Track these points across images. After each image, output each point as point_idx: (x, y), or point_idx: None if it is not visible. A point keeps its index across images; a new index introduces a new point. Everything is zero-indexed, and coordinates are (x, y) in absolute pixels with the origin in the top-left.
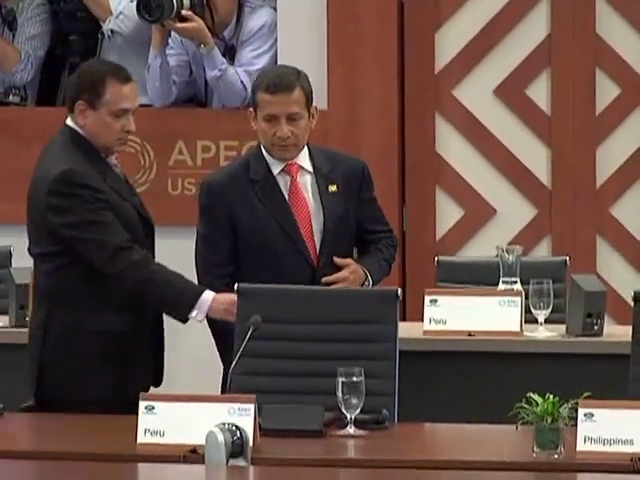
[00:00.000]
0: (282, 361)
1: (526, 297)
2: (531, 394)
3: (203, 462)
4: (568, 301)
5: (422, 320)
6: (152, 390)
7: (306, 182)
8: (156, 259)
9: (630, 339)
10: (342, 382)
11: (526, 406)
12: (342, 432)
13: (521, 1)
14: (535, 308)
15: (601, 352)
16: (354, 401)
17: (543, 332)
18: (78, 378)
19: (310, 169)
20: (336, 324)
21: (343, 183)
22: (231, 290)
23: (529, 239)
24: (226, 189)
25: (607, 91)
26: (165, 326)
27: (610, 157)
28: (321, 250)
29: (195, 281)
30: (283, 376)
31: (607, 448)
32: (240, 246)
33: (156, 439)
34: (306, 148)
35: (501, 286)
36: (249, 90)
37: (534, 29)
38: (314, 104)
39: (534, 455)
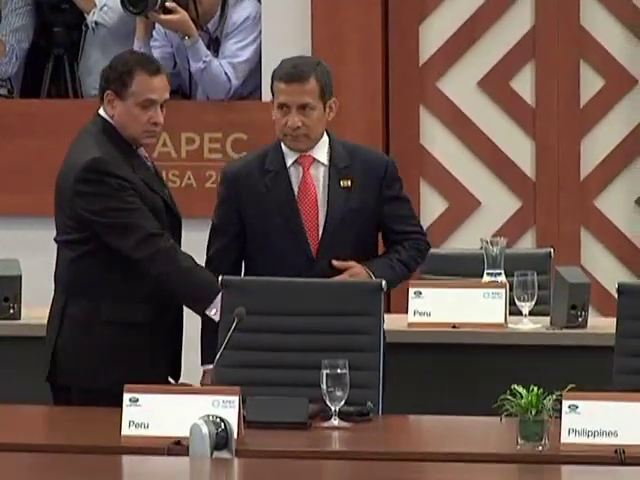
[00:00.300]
0: (267, 353)
1: (510, 289)
2: (515, 386)
3: (187, 454)
4: (552, 293)
5: (407, 312)
6: None
7: (319, 175)
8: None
9: (614, 331)
10: (326, 374)
11: (510, 398)
12: (326, 424)
13: None
14: (519, 300)
15: (585, 344)
16: (338, 393)
17: (527, 324)
18: (89, 367)
19: (325, 162)
20: (321, 316)
21: (361, 179)
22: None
23: (513, 231)
24: (239, 177)
25: (591, 83)
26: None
27: (594, 149)
28: (321, 243)
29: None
30: (268, 368)
31: (591, 440)
32: (246, 235)
33: (140, 431)
34: (326, 140)
35: (485, 278)
36: (233, 82)
37: (518, 21)
38: (333, 98)
39: (518, 447)
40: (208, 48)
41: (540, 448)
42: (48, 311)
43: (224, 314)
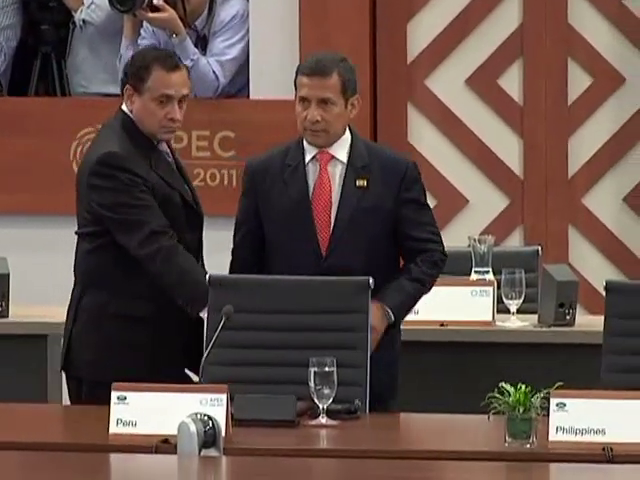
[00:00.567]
0: (254, 351)
1: (498, 287)
2: (503, 384)
3: (175, 452)
4: (540, 291)
5: None
6: None
7: (336, 173)
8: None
9: (602, 329)
10: (314, 372)
11: (498, 396)
12: (314, 422)
13: None
14: (507, 298)
15: (573, 342)
16: (326, 391)
17: (515, 322)
18: (98, 360)
19: (344, 160)
20: (308, 314)
21: (379, 179)
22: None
23: (501, 229)
24: (259, 171)
25: (579, 81)
26: None
27: (582, 147)
28: (330, 242)
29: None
30: (256, 366)
31: (579, 438)
32: (263, 228)
33: (128, 429)
34: (348, 139)
35: (473, 276)
36: (221, 80)
37: (506, 19)
38: (356, 96)
39: (506, 445)
40: (196, 46)
41: (528, 446)
42: (36, 310)
43: (211, 312)
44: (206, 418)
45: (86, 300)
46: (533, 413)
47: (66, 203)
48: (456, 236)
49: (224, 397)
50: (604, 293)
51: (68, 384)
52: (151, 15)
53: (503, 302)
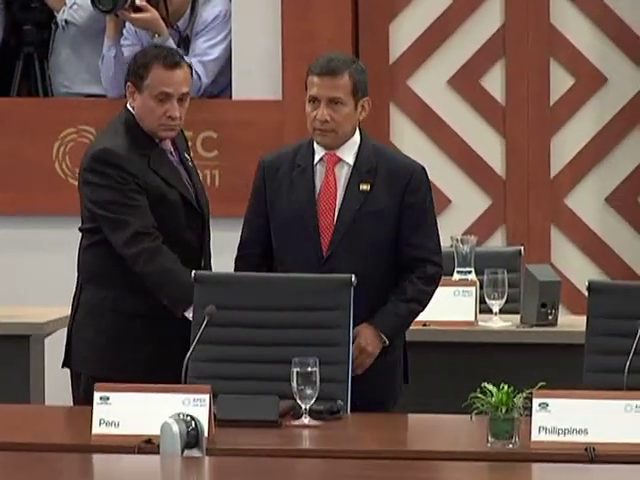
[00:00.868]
0: (239, 347)
1: (480, 287)
2: (486, 384)
3: (158, 452)
4: (522, 291)
5: None
6: None
7: (342, 175)
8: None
9: (584, 329)
10: (297, 372)
11: (481, 396)
12: (297, 422)
13: None
14: (490, 298)
15: (555, 342)
16: (309, 391)
17: (498, 322)
18: (94, 355)
19: (351, 163)
20: (291, 311)
21: (384, 183)
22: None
23: (483, 229)
24: (269, 169)
25: (561, 81)
26: None
27: (564, 147)
28: (331, 244)
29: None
30: (240, 362)
31: (562, 438)
32: (270, 227)
33: (111, 430)
34: (357, 141)
35: (455, 276)
36: (203, 80)
37: (488, 19)
38: (367, 98)
39: (489, 445)
40: (178, 46)
41: (510, 446)
42: (18, 310)
43: (197, 309)
44: (189, 418)
45: (84, 296)
46: (516, 413)
47: (49, 203)
48: None
49: (207, 397)
50: (586, 293)
51: (71, 380)
52: (133, 15)
53: (485, 302)
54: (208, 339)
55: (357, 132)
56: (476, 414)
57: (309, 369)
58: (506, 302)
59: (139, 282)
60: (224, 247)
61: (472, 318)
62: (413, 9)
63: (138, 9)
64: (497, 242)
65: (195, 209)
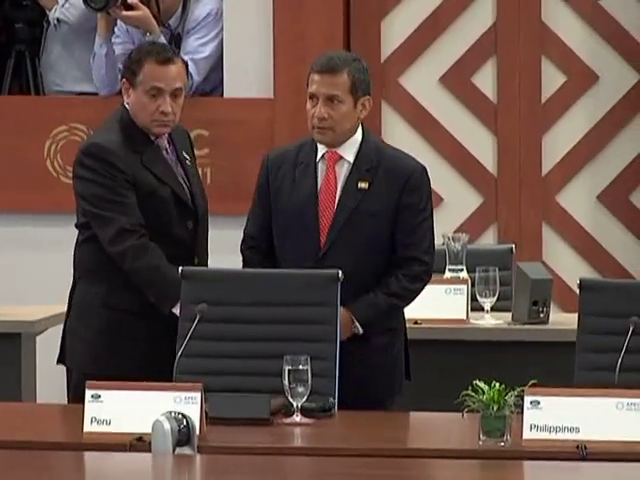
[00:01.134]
0: (226, 343)
1: (472, 285)
2: (477, 382)
3: (149, 450)
4: (514, 289)
5: None
6: None
7: (342, 173)
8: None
9: (576, 327)
10: (288, 370)
11: (472, 394)
12: (289, 420)
13: None
14: (481, 296)
15: (547, 340)
16: (300, 389)
17: (489, 320)
18: (84, 351)
19: (351, 161)
20: (278, 306)
21: (383, 183)
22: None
23: (475, 227)
24: (272, 166)
25: (553, 79)
26: None
27: (556, 145)
28: (327, 241)
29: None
30: (227, 358)
31: (553, 436)
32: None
33: (102, 428)
34: (359, 140)
35: (447, 274)
36: (195, 78)
37: (480, 17)
38: (367, 97)
39: (480, 443)
40: (170, 44)
41: (502, 444)
42: (9, 308)
43: (184, 305)
44: (180, 416)
45: (78, 292)
46: (507, 411)
47: (40, 201)
48: None
49: (198, 395)
50: (578, 291)
51: (66, 376)
52: (125, 13)
53: (477, 300)
54: (196, 335)
55: (359, 130)
56: (467, 412)
57: (300, 367)
58: (498, 300)
59: (123, 278)
60: (214, 244)
61: (464, 316)
62: (404, 7)
63: (129, 7)
64: (489, 240)
65: (188, 207)
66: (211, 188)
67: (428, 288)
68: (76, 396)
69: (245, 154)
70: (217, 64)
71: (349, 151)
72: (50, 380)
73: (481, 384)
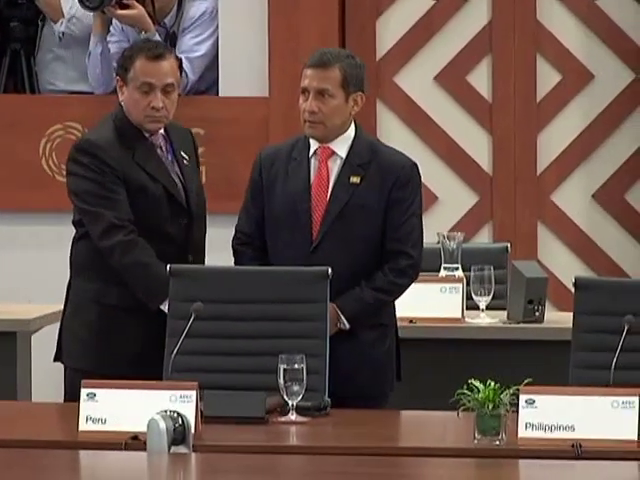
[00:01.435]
0: (217, 340)
1: (467, 284)
2: (472, 380)
3: (145, 449)
4: (509, 287)
5: None
6: None
7: (335, 168)
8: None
9: (571, 325)
10: (283, 369)
11: (467, 392)
12: (284, 419)
13: None
14: (476, 295)
15: (542, 338)
16: (295, 388)
17: (484, 318)
18: (80, 349)
19: (343, 156)
20: (267, 303)
21: (374, 178)
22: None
23: (470, 226)
24: (266, 163)
25: (548, 78)
26: None
27: (551, 144)
28: (319, 235)
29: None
30: (219, 355)
31: (548, 434)
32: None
33: (98, 426)
34: (352, 135)
35: (442, 273)
36: (190, 77)
37: (475, 16)
38: (360, 93)
39: (475, 442)
40: (165, 43)
41: (497, 442)
42: (4, 307)
43: (173, 303)
44: (175, 415)
45: (73, 288)
46: (502, 410)
47: (35, 200)
48: (425, 233)
49: (193, 394)
50: (573, 290)
51: (64, 374)
52: (120, 12)
53: (472, 299)
54: (187, 332)
55: (352, 127)
56: (463, 410)
57: (296, 366)
58: (493, 299)
59: (115, 274)
60: (210, 242)
61: (459, 315)
62: (400, 6)
63: (125, 6)
64: (484, 239)
65: (181, 205)
66: (206, 186)
67: (423, 287)
68: (70, 392)
69: (240, 152)
70: (212, 63)
71: (341, 146)
72: (46, 379)
73: (476, 383)
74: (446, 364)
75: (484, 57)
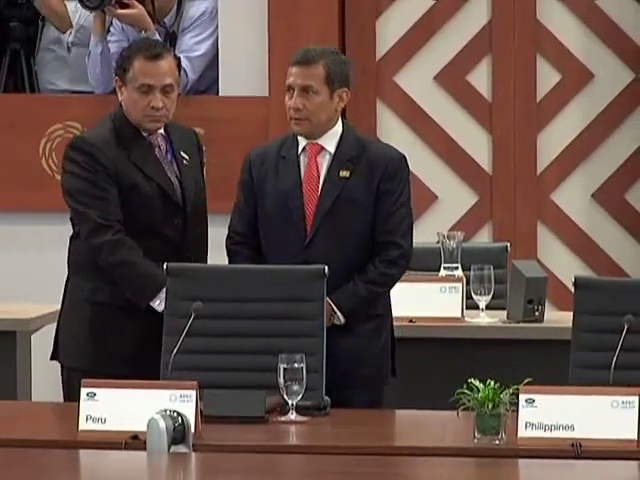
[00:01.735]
0: (214, 339)
1: (467, 283)
2: (472, 380)
3: (145, 449)
4: (509, 287)
5: None
6: None
7: (324, 163)
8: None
9: (571, 325)
10: (283, 369)
11: (467, 392)
12: (284, 418)
13: None
14: (476, 294)
15: (542, 338)
16: (295, 387)
17: (484, 318)
18: (75, 347)
19: (332, 151)
20: (264, 302)
21: (364, 172)
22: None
23: (470, 225)
24: (255, 162)
25: (548, 78)
26: None
27: (551, 143)
28: (312, 230)
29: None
30: (216, 354)
31: (548, 434)
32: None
33: (98, 426)
34: (339, 131)
35: (442, 272)
36: (190, 76)
37: (475, 15)
38: (345, 89)
39: (475, 441)
40: (165, 42)
41: (497, 442)
42: (4, 306)
43: (171, 301)
44: (175, 414)
45: (69, 287)
46: (502, 409)
47: (35, 200)
48: (425, 232)
49: (193, 393)
50: (573, 289)
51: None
52: (120, 11)
53: (472, 298)
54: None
55: (339, 123)
56: (462, 410)
57: (296, 365)
58: (492, 298)
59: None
60: (211, 241)
61: (459, 314)
62: (400, 5)
63: (125, 5)
64: (484, 238)
65: (176, 204)
66: (206, 185)
67: (423, 286)
68: (67, 392)
69: (240, 152)
70: (212, 62)
71: (330, 142)
72: (45, 378)
73: (476, 382)
74: (446, 363)
75: (484, 57)
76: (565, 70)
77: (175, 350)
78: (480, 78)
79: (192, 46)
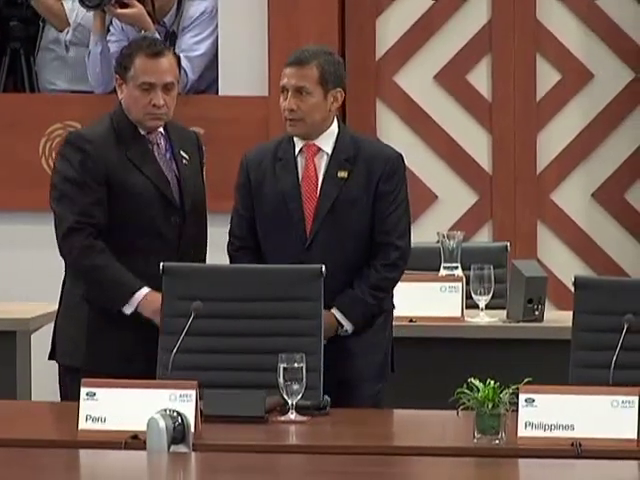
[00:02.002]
0: (212, 338)
1: (467, 283)
2: (472, 380)
3: (145, 448)
4: (509, 287)
5: None
6: None
7: (321, 164)
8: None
9: (570, 324)
10: (283, 368)
11: (467, 392)
12: (284, 418)
13: None
14: (476, 294)
15: (542, 337)
16: (295, 387)
17: (484, 318)
18: (70, 347)
19: (329, 152)
20: (261, 301)
21: (362, 172)
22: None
23: (470, 225)
24: (252, 165)
25: (548, 77)
26: None
27: (551, 143)
28: (312, 231)
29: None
30: (214, 353)
31: (548, 433)
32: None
33: (97, 425)
34: (335, 131)
35: (442, 272)
36: (190, 76)
37: (475, 15)
38: (339, 89)
39: (475, 441)
40: (165, 42)
41: (497, 442)
42: (3, 306)
43: (168, 301)
44: (175, 414)
45: (65, 286)
46: (502, 409)
47: (35, 199)
48: (425, 232)
49: (193, 393)
50: (573, 289)
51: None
52: (120, 11)
53: (472, 298)
54: (180, 331)
55: (335, 123)
56: (462, 410)
57: (296, 365)
58: (492, 298)
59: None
60: (209, 242)
61: (458, 314)
62: (399, 5)
63: (124, 4)
64: (483, 238)
65: (173, 203)
66: (206, 186)
67: (423, 286)
68: (64, 391)
69: (240, 152)
70: (212, 62)
71: (326, 143)
72: (45, 378)
73: (476, 382)
74: (446, 363)
75: (484, 56)
76: (565, 70)
77: (175, 350)
78: (480, 78)
79: (192, 46)
